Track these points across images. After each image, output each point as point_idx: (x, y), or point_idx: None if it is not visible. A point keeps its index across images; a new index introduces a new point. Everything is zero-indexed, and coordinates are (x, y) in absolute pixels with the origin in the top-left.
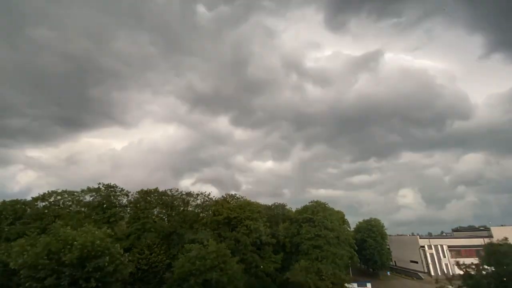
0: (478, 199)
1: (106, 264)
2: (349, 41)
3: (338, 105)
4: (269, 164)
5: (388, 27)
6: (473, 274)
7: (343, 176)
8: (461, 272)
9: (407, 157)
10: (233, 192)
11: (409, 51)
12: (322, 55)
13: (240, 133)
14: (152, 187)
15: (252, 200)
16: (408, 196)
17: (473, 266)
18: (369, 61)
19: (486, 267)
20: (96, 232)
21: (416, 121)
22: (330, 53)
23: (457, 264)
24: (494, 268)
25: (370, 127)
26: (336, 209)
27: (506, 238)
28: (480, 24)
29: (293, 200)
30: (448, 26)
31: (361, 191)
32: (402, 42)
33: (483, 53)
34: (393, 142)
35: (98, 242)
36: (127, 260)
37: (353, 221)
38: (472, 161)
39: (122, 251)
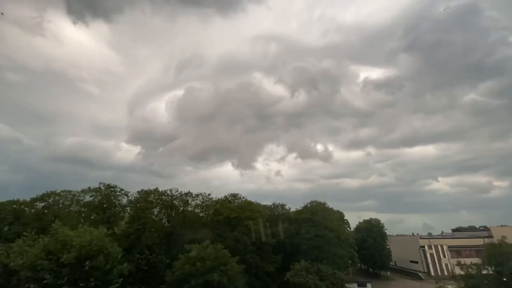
0: None
1: (104, 263)
2: None
3: None
4: None
5: None
6: (473, 274)
7: None
8: (462, 272)
9: None
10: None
11: None
12: None
13: None
14: None
15: None
16: None
17: (473, 267)
18: None
19: (486, 267)
20: (96, 232)
21: None
22: None
23: (458, 264)
24: (495, 268)
25: None
26: None
27: (505, 237)
28: None
29: None
30: None
31: None
32: None
33: None
34: None
35: (95, 241)
36: (125, 263)
37: None
38: None
39: (121, 250)
